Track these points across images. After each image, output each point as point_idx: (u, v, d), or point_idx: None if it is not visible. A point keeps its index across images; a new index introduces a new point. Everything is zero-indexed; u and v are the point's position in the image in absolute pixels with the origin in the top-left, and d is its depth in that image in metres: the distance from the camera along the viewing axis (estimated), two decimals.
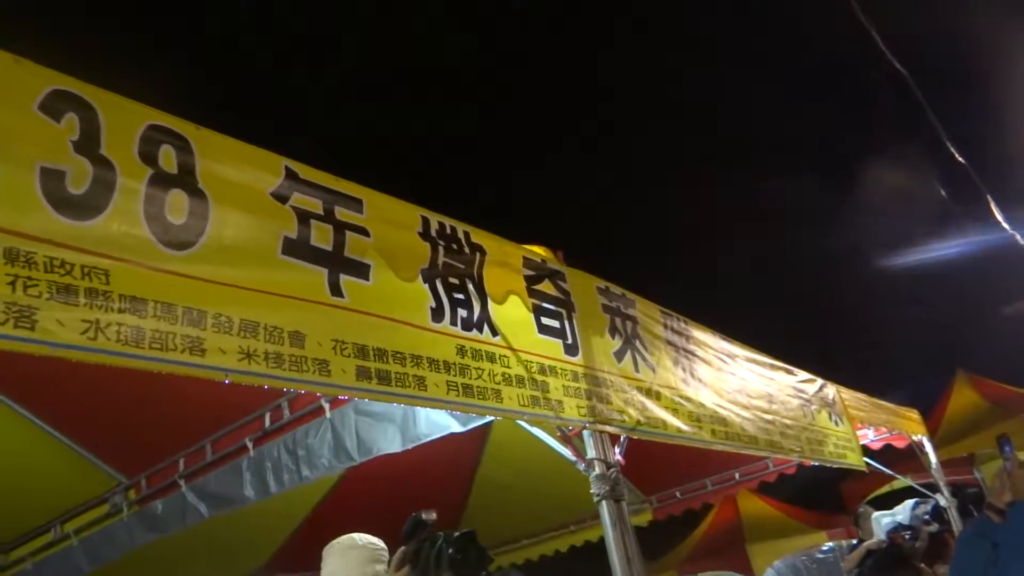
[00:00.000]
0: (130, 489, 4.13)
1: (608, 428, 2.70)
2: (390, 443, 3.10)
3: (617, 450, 2.74)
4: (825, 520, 10.08)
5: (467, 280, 2.37)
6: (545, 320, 2.65)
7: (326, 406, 3.36)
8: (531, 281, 2.66)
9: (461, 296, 2.32)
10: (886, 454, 7.13)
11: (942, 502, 6.56)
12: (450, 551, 2.15)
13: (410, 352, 2.06)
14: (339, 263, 1.97)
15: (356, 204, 2.09)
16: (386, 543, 2.78)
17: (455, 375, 2.17)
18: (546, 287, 2.72)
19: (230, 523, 4.00)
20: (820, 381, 4.77)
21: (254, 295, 1.73)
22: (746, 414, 3.65)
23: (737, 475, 7.65)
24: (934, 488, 6.84)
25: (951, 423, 9.61)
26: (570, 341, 2.72)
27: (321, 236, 1.94)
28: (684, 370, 3.36)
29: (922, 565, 2.42)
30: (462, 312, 2.29)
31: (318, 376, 1.80)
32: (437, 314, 2.20)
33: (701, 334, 3.67)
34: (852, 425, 5.01)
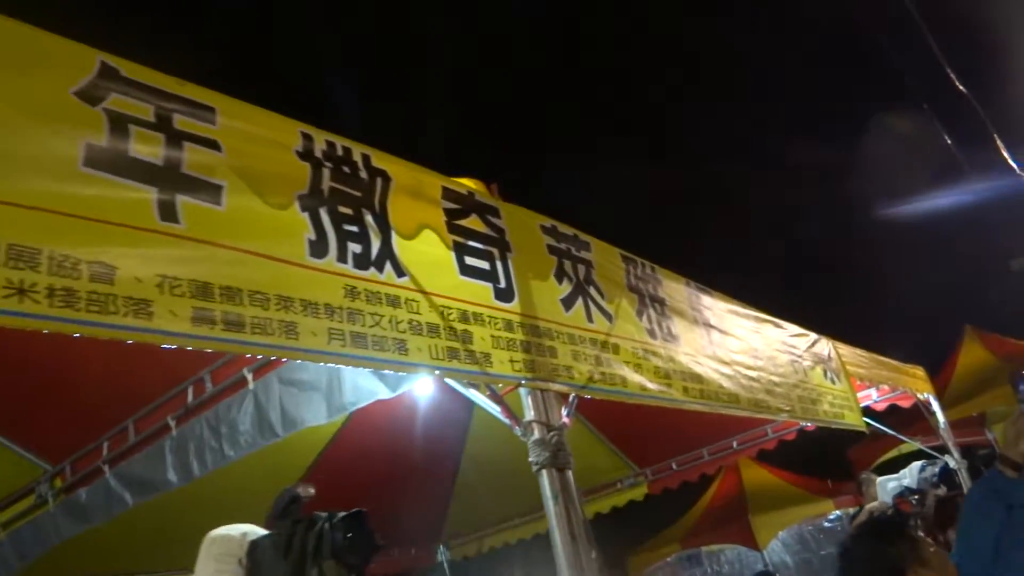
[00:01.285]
0: (55, 477, 3.76)
1: (552, 386, 2.30)
2: (315, 415, 2.71)
3: (565, 411, 2.34)
4: (832, 488, 9.73)
5: (364, 210, 1.96)
6: (470, 260, 2.24)
7: (249, 376, 2.98)
8: (453, 215, 2.25)
9: (354, 228, 1.91)
10: (891, 416, 6.74)
11: (951, 464, 6.17)
12: (335, 535, 1.76)
13: (276, 293, 1.66)
14: (174, 181, 1.56)
15: (206, 112, 1.69)
16: None
17: (341, 321, 1.77)
18: (473, 223, 2.31)
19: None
20: (813, 336, 4.36)
21: (34, 215, 1.33)
22: (725, 370, 3.24)
23: (735, 443, 7.28)
24: (944, 450, 6.47)
25: (960, 381, 9.19)
26: (503, 285, 2.31)
27: (147, 147, 1.54)
28: (651, 321, 2.95)
29: (921, 535, 1.98)
30: (354, 247, 1.89)
31: (133, 319, 1.40)
32: (318, 248, 1.80)
33: (673, 283, 3.26)
34: (851, 383, 4.60)
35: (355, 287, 1.84)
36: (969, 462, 6.08)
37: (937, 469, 5.57)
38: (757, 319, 3.83)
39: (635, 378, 2.68)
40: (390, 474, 5.60)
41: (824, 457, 9.93)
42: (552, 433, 2.19)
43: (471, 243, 2.28)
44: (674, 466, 7.53)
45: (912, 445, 7.48)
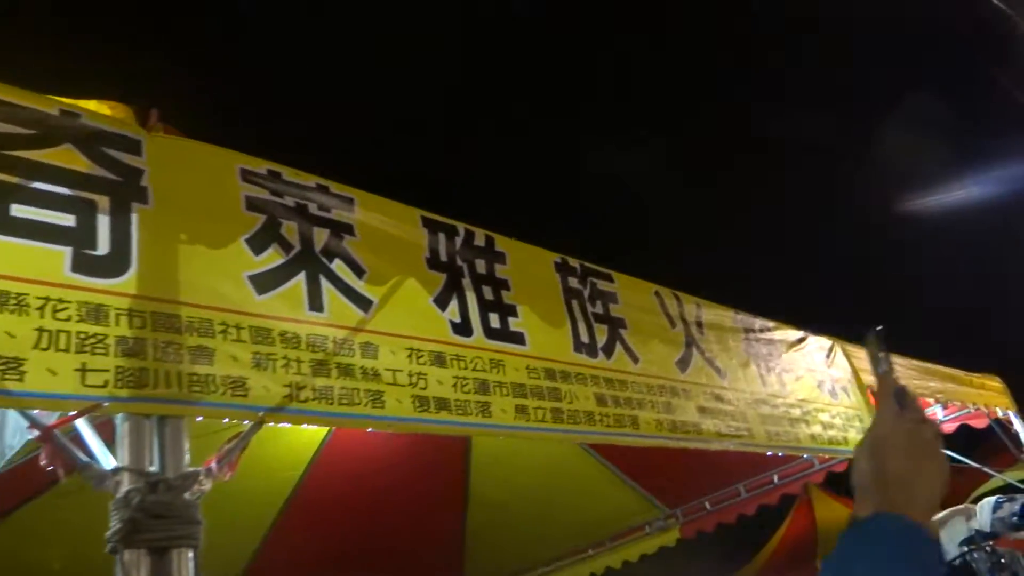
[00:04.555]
0: None
1: (192, 409, 1.41)
2: None
3: (224, 453, 1.44)
4: None
5: None
6: (38, 214, 1.39)
7: None
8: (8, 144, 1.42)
9: None
10: (966, 438, 5.40)
11: None
12: None
13: None
14: None
15: None
16: None
17: None
18: (53, 156, 1.47)
19: None
20: (799, 333, 3.27)
21: None
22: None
23: (776, 478, 6.08)
24: None
25: None
26: (102, 251, 1.45)
27: None
28: (462, 312, 2.01)
29: None
30: None
31: None
32: None
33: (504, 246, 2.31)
34: (867, 396, 3.45)
35: None
36: None
37: (1017, 506, 4.24)
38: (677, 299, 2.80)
39: (394, 398, 1.74)
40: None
41: None
42: (146, 481, 1.29)
43: (54, 188, 1.43)
44: (708, 506, 6.41)
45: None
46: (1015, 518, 4.22)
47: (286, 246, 1.73)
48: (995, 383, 5.04)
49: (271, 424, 1.55)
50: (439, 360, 1.89)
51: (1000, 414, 4.97)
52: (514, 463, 5.46)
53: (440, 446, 4.60)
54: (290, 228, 1.76)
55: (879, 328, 1.10)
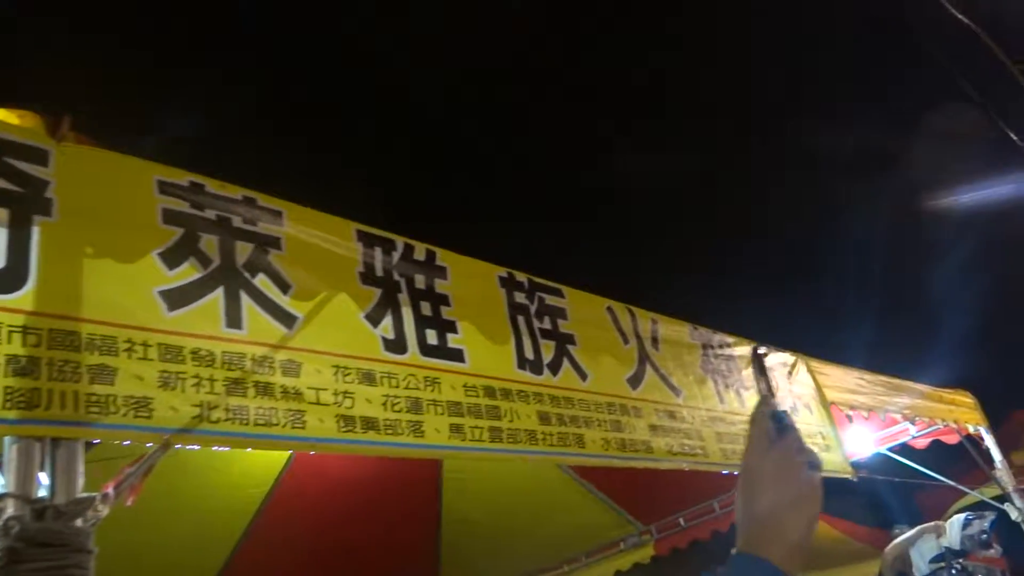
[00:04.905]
0: None
1: (52, 430, 1.35)
2: None
3: (123, 479, 1.36)
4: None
5: None
6: None
7: None
8: None
9: None
10: (942, 455, 5.37)
11: (1014, 515, 4.75)
12: None
13: None
14: None
15: None
16: None
17: None
18: None
19: None
20: (751, 346, 3.22)
21: None
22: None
23: None
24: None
25: None
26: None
27: None
28: (397, 328, 1.95)
29: None
30: None
31: None
32: None
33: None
34: (830, 413, 3.40)
35: None
36: None
37: (987, 523, 4.20)
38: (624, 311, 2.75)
39: (316, 418, 1.68)
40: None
41: (884, 503, 8.42)
42: (22, 508, 1.22)
43: None
44: (682, 522, 6.34)
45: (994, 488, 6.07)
46: (984, 535, 4.18)
47: (204, 260, 1.66)
48: (966, 399, 5.01)
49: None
50: (368, 378, 1.83)
51: (971, 430, 4.94)
52: (487, 480, 5.41)
53: (412, 462, 4.54)
54: (210, 242, 1.70)
55: (759, 349, 1.05)
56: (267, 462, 4.25)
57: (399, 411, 1.84)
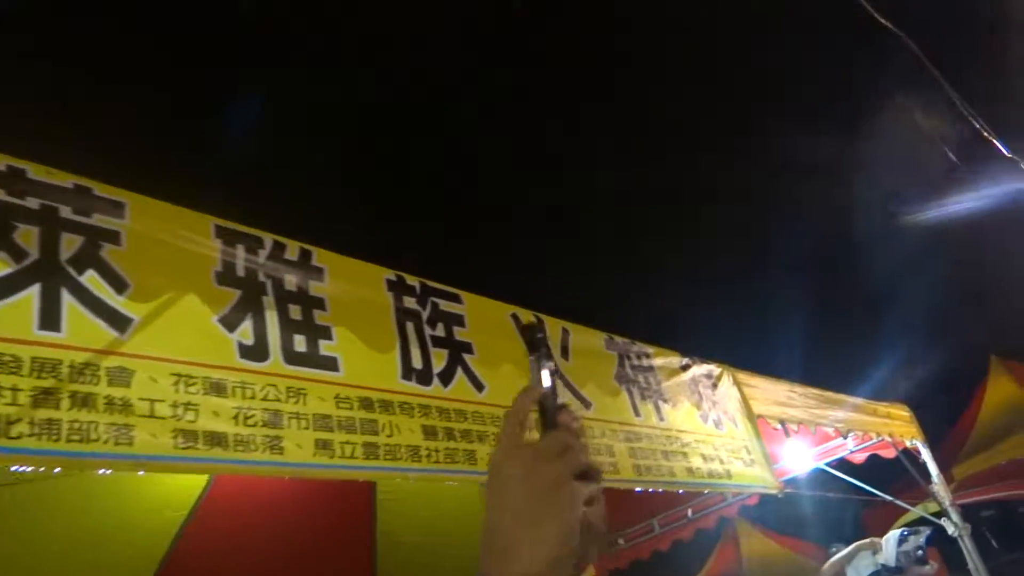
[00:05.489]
0: None
1: None
2: None
3: None
4: None
5: None
6: None
7: None
8: None
9: None
10: (882, 469, 5.31)
11: (950, 530, 4.69)
12: None
13: None
14: None
15: None
16: None
17: None
18: None
19: None
20: (684, 359, 3.09)
21: None
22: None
23: (690, 512, 5.92)
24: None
25: (988, 423, 7.63)
26: None
27: None
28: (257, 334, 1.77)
29: None
30: None
31: None
32: None
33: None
34: (756, 426, 3.28)
35: None
36: (973, 526, 4.62)
37: (922, 539, 4.12)
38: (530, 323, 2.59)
39: (148, 433, 1.49)
40: None
41: (833, 521, 8.37)
42: None
43: None
44: (622, 542, 6.19)
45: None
46: (920, 551, 4.09)
47: (18, 254, 1.47)
48: (902, 412, 4.96)
49: None
50: (217, 388, 1.64)
51: (908, 444, 4.88)
52: (423, 501, 5.20)
53: (343, 483, 4.34)
54: (27, 234, 1.50)
55: (534, 324, 0.87)
56: (186, 483, 4.00)
57: (253, 425, 1.65)
